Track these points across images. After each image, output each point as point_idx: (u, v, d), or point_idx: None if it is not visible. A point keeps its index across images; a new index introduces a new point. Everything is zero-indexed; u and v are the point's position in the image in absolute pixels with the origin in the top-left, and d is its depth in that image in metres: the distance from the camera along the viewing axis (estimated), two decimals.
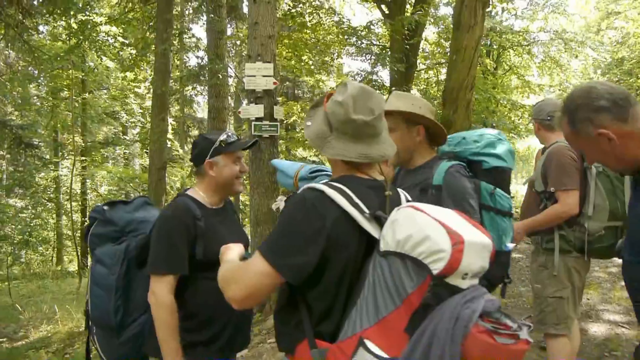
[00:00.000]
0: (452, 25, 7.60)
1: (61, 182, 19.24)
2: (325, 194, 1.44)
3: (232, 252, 1.71)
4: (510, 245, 2.27)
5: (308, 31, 9.93)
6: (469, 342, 1.16)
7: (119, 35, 12.41)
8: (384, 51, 9.60)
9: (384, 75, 12.70)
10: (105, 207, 2.31)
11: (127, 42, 11.55)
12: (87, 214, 18.84)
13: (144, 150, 21.92)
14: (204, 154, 2.15)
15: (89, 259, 2.38)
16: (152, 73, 10.99)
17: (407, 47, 9.03)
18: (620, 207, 2.79)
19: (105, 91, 19.60)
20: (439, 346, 1.18)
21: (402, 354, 1.24)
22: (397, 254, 1.30)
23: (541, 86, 18.24)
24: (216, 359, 2.10)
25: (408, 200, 1.65)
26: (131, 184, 19.15)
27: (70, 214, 15.56)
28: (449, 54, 7.66)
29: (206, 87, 13.38)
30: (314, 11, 10.57)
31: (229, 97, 13.34)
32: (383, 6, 10.32)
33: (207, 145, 2.15)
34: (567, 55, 17.95)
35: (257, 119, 5.71)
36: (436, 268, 1.23)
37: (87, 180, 18.86)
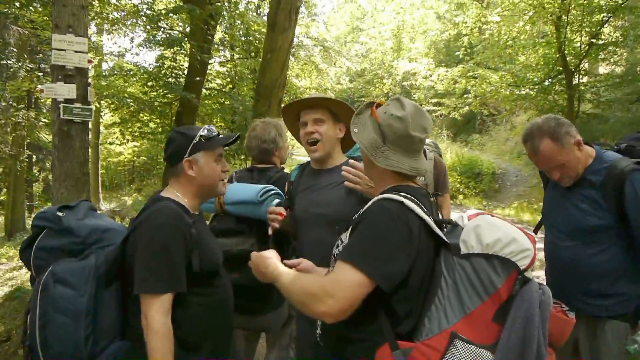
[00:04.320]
0: (266, 25, 7.81)
1: None
2: (404, 205, 1.53)
3: (275, 261, 1.65)
4: None
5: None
6: (551, 320, 1.43)
7: None
8: (186, 38, 9.15)
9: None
10: (60, 213, 1.81)
11: None
12: None
13: None
14: (181, 151, 1.90)
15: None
16: None
17: (210, 37, 8.85)
18: None
19: None
20: (532, 328, 1.40)
21: (502, 339, 1.41)
22: (483, 255, 1.48)
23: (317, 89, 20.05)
24: None
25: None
26: None
27: None
28: (259, 52, 7.74)
29: None
30: None
31: None
32: None
33: (185, 142, 1.90)
34: (324, 60, 20.12)
35: (67, 101, 4.92)
36: (523, 264, 1.45)
37: None
